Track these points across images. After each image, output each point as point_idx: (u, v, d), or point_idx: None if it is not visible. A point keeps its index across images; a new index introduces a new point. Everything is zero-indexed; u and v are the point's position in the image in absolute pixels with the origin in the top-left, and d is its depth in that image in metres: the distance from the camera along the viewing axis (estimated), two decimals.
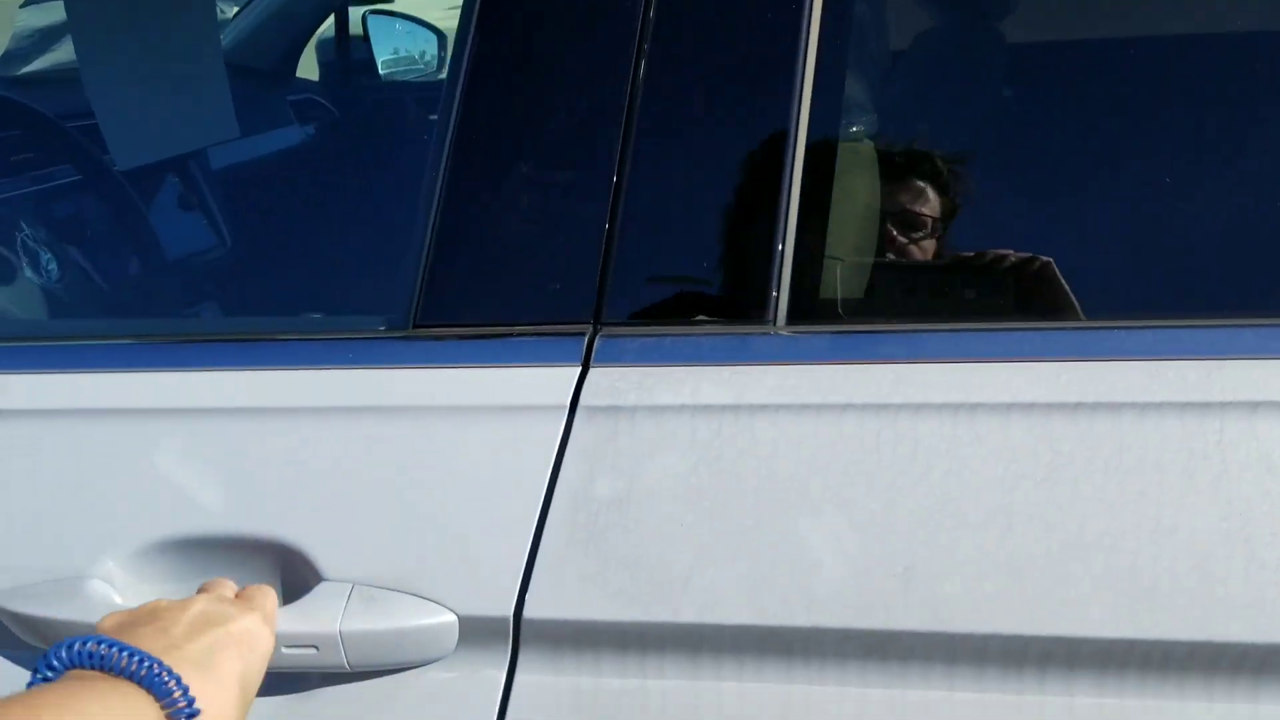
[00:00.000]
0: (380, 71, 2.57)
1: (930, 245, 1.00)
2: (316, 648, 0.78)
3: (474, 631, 0.77)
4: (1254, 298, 0.78)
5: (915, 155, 0.96)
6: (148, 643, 0.66)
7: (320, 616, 0.78)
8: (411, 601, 0.78)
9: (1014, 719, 0.69)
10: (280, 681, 0.81)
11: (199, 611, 0.71)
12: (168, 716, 0.62)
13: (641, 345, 0.80)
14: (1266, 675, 0.66)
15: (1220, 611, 0.66)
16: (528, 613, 0.75)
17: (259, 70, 2.34)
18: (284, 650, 0.77)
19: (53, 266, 1.43)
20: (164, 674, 0.62)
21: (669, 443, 0.76)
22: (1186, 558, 0.67)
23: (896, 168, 0.95)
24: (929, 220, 0.99)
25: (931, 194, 1.00)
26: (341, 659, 0.78)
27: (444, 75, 2.70)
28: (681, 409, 0.77)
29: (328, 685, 0.82)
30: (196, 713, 0.62)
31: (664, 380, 0.78)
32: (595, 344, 0.80)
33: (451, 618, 0.77)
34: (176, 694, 0.62)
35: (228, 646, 0.69)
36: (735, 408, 0.76)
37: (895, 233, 0.96)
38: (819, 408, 0.75)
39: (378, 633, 0.77)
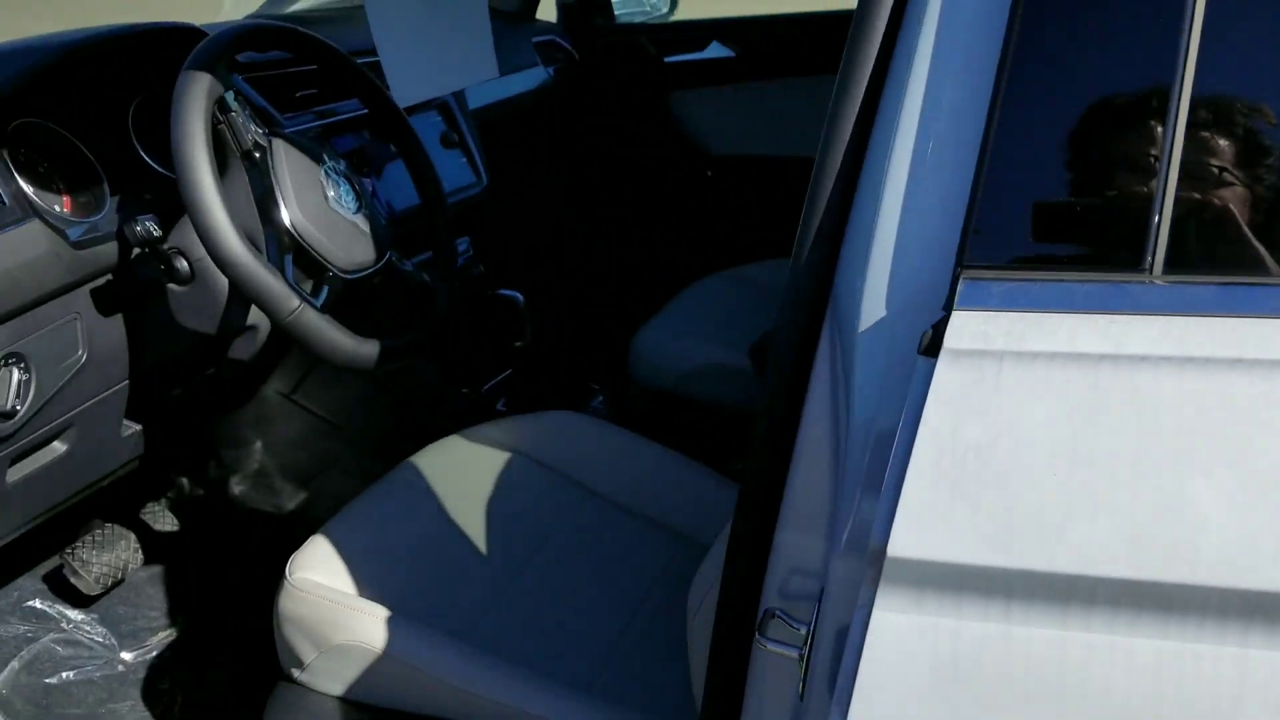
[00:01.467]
0: (615, 13, 2.59)
1: None
2: None
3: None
4: None
5: None
6: None
7: None
8: None
9: None
10: None
11: None
12: None
13: (1007, 290, 0.79)
14: None
15: None
16: (892, 551, 0.76)
17: (503, 12, 2.39)
18: None
19: (349, 199, 1.50)
20: None
21: (1041, 390, 0.75)
22: None
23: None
24: None
25: None
26: None
27: (673, 16, 2.70)
28: (1054, 356, 0.76)
29: None
30: None
31: (1034, 326, 0.77)
32: (959, 287, 0.80)
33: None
34: None
35: None
36: (1114, 358, 0.75)
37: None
38: (1205, 361, 0.73)
39: None
